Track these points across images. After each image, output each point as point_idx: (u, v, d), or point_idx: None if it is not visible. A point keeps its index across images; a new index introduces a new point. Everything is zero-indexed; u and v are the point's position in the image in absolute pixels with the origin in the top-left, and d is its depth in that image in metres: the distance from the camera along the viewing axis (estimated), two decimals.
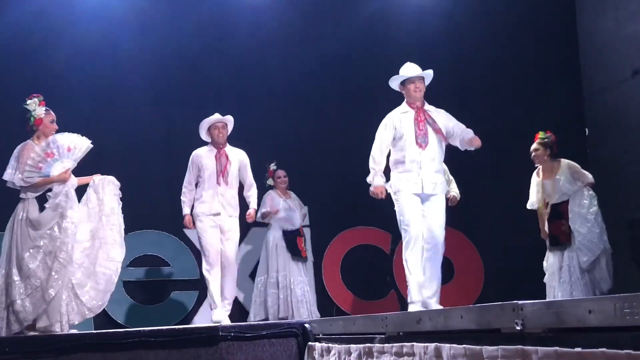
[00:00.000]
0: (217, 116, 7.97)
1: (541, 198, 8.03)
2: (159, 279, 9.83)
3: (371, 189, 6.91)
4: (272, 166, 9.11)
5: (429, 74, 6.93)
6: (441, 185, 6.90)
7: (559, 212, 7.97)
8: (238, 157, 8.04)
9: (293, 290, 8.70)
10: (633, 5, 9.27)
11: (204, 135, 8.05)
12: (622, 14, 9.44)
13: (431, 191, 6.78)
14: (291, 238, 8.87)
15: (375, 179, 6.89)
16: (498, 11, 10.72)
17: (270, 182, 9.10)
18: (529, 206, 8.25)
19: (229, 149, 8.04)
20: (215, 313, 7.75)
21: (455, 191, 8.06)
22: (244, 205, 8.13)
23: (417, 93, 6.86)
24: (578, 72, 10.09)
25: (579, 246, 7.75)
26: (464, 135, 6.91)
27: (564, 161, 8.00)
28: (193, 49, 10.20)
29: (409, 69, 6.92)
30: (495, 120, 9.99)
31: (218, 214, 7.81)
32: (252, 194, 8.10)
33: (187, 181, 7.96)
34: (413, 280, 6.71)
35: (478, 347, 3.49)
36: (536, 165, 8.10)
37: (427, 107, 6.98)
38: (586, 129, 9.02)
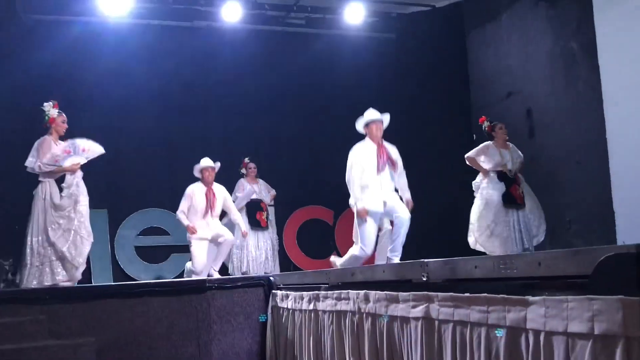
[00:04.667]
0: (209, 162, 7.81)
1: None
2: (162, 245, 9.76)
3: (361, 211, 6.16)
4: (246, 160, 8.97)
5: (387, 118, 6.43)
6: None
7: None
8: (222, 194, 7.88)
9: (249, 251, 8.61)
10: (506, 47, 9.38)
11: (197, 173, 7.85)
12: (499, 51, 9.55)
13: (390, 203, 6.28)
14: (252, 212, 8.75)
15: (358, 204, 6.22)
16: (412, 48, 10.76)
17: (243, 171, 8.95)
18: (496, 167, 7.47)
19: (215, 187, 7.85)
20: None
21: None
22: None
23: (379, 132, 6.35)
24: (468, 92, 10.17)
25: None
26: (402, 187, 6.47)
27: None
28: (188, 74, 10.09)
29: (373, 113, 6.41)
30: (409, 130, 9.97)
31: (207, 239, 7.68)
32: (237, 219, 7.98)
33: (182, 207, 7.71)
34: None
35: (395, 293, 3.52)
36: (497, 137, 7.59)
37: (385, 143, 6.44)
38: (474, 135, 9.08)
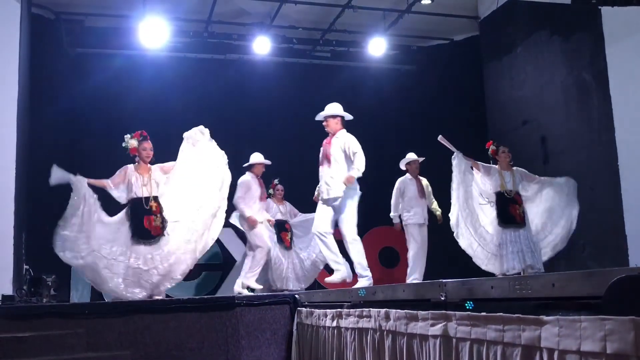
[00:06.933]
0: (262, 158, 8.32)
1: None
2: (195, 263, 9.75)
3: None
4: (276, 181, 8.92)
5: (330, 108, 6.88)
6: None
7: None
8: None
9: (278, 268, 8.56)
10: (521, 76, 9.36)
11: (252, 161, 8.28)
12: (514, 82, 9.53)
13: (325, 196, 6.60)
14: (277, 233, 8.75)
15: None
16: (431, 79, 10.80)
17: (271, 191, 8.89)
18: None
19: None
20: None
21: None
22: None
23: (330, 124, 6.81)
24: (485, 120, 10.15)
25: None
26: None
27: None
28: (220, 102, 10.20)
29: (327, 108, 6.91)
30: (428, 156, 9.95)
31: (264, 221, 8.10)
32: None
33: (240, 194, 8.02)
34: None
35: (415, 312, 3.49)
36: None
37: (340, 135, 6.70)
38: (490, 161, 9.04)
